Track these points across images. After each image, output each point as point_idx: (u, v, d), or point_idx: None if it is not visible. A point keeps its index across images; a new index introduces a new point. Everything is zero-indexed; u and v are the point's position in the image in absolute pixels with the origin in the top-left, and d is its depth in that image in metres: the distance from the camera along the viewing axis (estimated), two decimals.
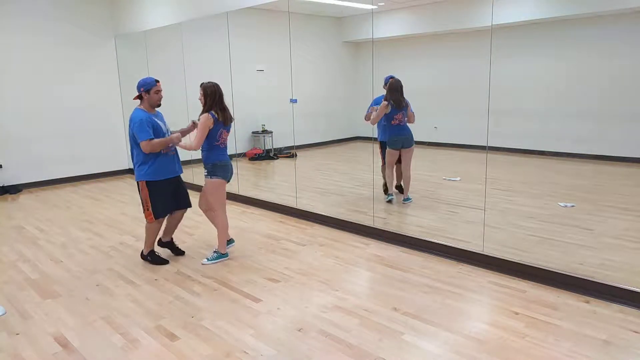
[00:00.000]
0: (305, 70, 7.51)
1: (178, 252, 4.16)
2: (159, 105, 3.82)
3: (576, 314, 2.90)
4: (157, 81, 3.75)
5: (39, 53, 7.00)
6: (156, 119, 3.77)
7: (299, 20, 6.37)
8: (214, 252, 3.99)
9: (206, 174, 3.84)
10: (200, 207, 4.09)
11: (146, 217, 3.85)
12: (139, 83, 3.74)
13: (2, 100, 6.75)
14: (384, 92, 5.19)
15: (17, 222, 5.37)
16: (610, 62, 6.20)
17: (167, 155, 3.80)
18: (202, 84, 3.76)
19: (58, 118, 7.26)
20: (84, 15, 7.38)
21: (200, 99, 3.79)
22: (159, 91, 3.74)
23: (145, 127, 3.62)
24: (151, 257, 3.99)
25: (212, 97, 3.72)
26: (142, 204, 3.84)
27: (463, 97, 6.60)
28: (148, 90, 3.70)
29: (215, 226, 4.03)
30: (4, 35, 6.69)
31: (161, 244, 4.16)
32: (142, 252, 4.07)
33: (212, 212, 3.99)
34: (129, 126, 3.72)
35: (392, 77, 5.16)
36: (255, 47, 7.99)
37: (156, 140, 3.66)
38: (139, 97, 3.76)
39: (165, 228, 4.10)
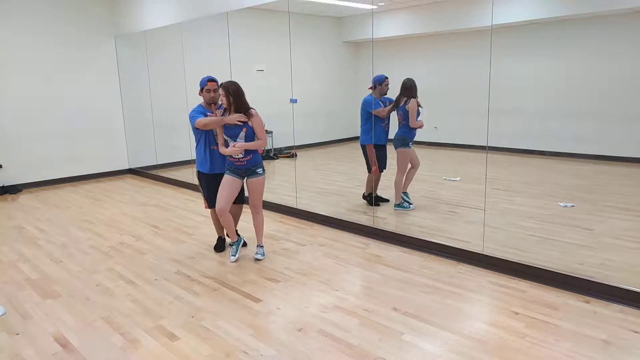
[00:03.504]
0: (305, 70, 7.50)
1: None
2: (212, 103, 3.92)
3: (576, 314, 2.90)
4: (210, 80, 3.89)
5: (39, 53, 6.99)
6: (209, 114, 3.90)
7: (299, 20, 6.36)
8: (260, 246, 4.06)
9: (262, 171, 3.89)
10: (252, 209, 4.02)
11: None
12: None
13: (2, 100, 6.74)
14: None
15: (17, 222, 5.37)
16: (610, 62, 6.20)
17: (215, 152, 3.94)
18: (222, 84, 3.74)
19: (58, 118, 7.26)
20: (84, 15, 7.38)
21: (221, 99, 3.77)
22: (209, 90, 3.89)
23: (196, 114, 3.83)
24: (216, 242, 4.30)
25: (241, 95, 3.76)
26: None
27: (463, 97, 6.60)
28: (202, 89, 3.93)
29: (258, 224, 4.01)
30: (4, 35, 6.68)
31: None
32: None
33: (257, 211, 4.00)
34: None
35: (387, 78, 5.13)
36: (255, 47, 7.98)
37: (208, 118, 3.76)
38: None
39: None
